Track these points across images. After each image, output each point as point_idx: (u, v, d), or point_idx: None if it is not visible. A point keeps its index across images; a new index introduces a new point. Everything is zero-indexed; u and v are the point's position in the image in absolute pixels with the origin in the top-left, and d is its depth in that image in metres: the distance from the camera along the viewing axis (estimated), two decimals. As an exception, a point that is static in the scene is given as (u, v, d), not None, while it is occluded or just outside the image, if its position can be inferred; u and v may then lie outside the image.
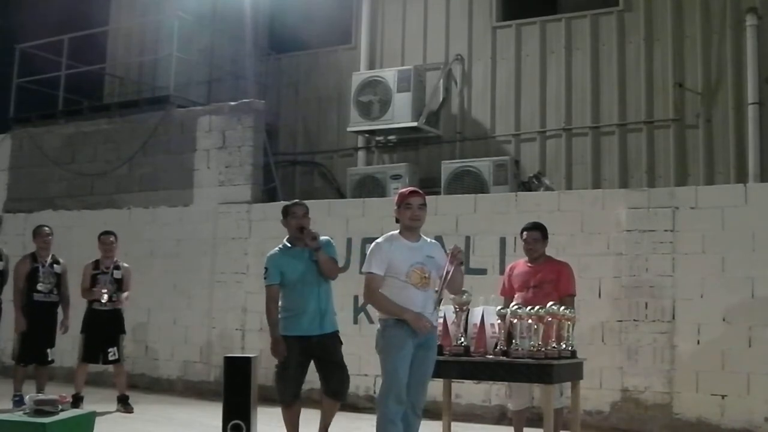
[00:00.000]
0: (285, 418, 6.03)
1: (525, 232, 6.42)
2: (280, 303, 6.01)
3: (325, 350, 5.97)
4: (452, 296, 5.62)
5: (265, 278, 6.04)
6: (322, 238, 6.08)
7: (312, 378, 6.09)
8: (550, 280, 6.19)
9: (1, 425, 5.58)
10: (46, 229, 8.63)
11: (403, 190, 5.41)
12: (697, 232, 7.63)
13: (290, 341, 5.92)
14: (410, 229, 5.17)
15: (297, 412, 6.03)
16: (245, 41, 11.47)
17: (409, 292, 5.03)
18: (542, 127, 9.88)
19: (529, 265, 6.36)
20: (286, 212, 6.13)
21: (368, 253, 5.17)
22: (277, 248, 6.13)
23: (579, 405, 6.04)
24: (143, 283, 9.36)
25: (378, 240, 5.18)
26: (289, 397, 5.96)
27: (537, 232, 6.35)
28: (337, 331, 6.12)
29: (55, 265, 8.52)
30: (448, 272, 5.08)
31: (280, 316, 5.98)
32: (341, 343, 6.11)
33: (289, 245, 6.09)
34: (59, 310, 8.52)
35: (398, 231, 5.23)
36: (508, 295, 6.34)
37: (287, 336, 5.94)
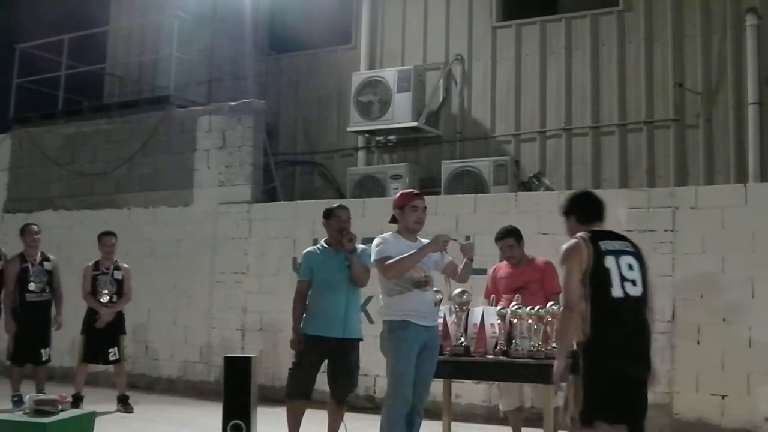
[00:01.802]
0: (288, 414, 6.02)
1: (498, 242, 6.38)
2: (307, 301, 6.07)
3: (340, 354, 5.97)
4: (452, 296, 5.63)
5: (297, 273, 6.22)
6: (360, 246, 6.14)
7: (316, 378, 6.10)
8: (535, 280, 6.18)
9: (1, 425, 5.59)
10: (34, 227, 8.60)
11: (405, 191, 5.42)
12: (697, 232, 7.63)
13: (309, 340, 5.95)
14: (413, 231, 5.19)
15: (301, 411, 6.02)
16: (245, 41, 11.47)
17: (410, 294, 5.07)
18: (542, 127, 9.88)
19: (512, 267, 6.33)
20: (329, 214, 6.16)
21: (374, 246, 5.15)
22: (315, 246, 6.22)
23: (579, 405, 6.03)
24: (143, 283, 9.36)
25: (382, 235, 5.20)
26: (296, 394, 5.96)
27: (510, 238, 6.30)
28: (359, 339, 6.12)
29: (45, 263, 8.50)
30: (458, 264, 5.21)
31: (305, 314, 6.04)
32: (358, 350, 6.11)
33: (326, 246, 6.14)
34: (53, 308, 8.51)
35: (396, 231, 5.24)
36: (491, 297, 6.31)
37: (307, 335, 5.97)
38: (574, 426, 4.24)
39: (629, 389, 4.18)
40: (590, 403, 4.13)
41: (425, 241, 5.34)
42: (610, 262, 4.25)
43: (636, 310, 4.27)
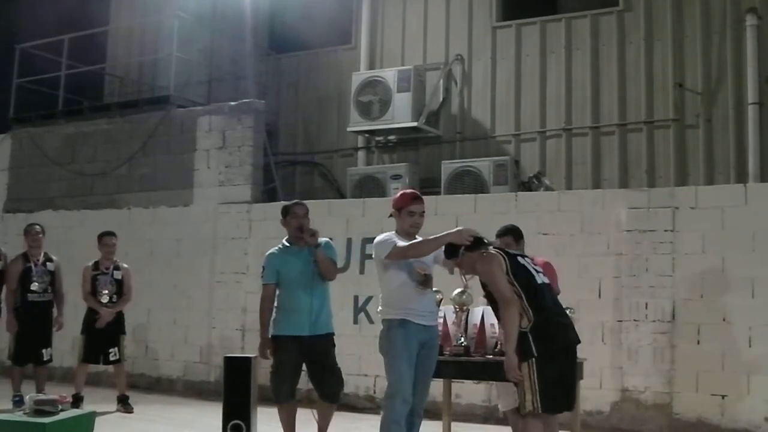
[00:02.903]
0: (281, 417, 6.01)
1: (498, 239, 6.37)
2: (275, 302, 6.00)
3: (317, 352, 5.93)
4: (452, 296, 5.63)
5: (261, 277, 6.06)
6: (322, 239, 6.06)
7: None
8: None
9: (1, 425, 5.59)
10: (37, 227, 8.61)
11: (405, 192, 5.38)
12: (697, 232, 7.63)
13: (284, 341, 5.89)
14: (410, 234, 5.18)
15: (293, 411, 6.01)
16: (245, 41, 11.46)
17: (411, 293, 5.07)
18: (542, 127, 9.88)
19: None
20: (286, 212, 6.11)
21: (379, 243, 5.12)
22: (275, 248, 6.12)
23: (579, 405, 6.04)
24: (143, 283, 9.37)
25: (384, 234, 5.18)
26: (284, 397, 5.94)
27: (508, 237, 6.24)
28: (332, 333, 6.07)
29: (48, 263, 8.51)
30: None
31: (275, 315, 5.98)
32: (334, 345, 6.07)
33: (288, 244, 6.08)
34: (54, 308, 8.51)
35: (395, 231, 5.23)
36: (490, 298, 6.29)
37: (281, 336, 5.90)
38: (527, 418, 4.80)
39: (572, 363, 4.92)
40: (545, 384, 4.67)
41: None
42: (521, 260, 4.96)
43: (553, 293, 5.04)
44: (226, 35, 11.86)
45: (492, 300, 4.97)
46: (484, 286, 4.99)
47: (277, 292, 6.02)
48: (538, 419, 4.77)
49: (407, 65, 10.31)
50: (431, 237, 5.04)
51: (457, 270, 5.24)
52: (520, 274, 4.83)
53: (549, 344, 4.73)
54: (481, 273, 4.90)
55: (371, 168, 10.43)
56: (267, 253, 6.11)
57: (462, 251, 4.96)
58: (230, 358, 6.54)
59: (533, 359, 4.67)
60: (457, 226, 8.43)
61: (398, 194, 5.38)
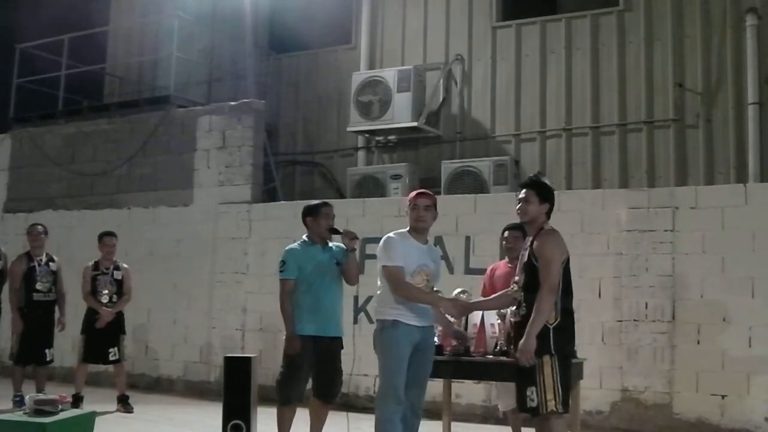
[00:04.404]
0: (284, 417, 5.92)
1: (506, 232, 6.37)
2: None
3: (331, 355, 5.91)
4: (452, 296, 5.63)
5: (281, 272, 5.92)
6: (339, 244, 6.05)
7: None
8: None
9: (1, 425, 5.59)
10: (39, 227, 8.63)
11: (415, 191, 5.43)
12: (697, 232, 7.64)
13: (306, 341, 5.82)
14: (416, 230, 5.20)
15: (295, 412, 6.00)
16: (245, 41, 11.47)
17: None
18: (542, 127, 9.88)
19: (509, 265, 6.29)
20: (316, 212, 6.00)
21: (381, 247, 5.12)
22: (296, 243, 6.03)
23: (579, 405, 6.04)
24: (143, 283, 9.36)
25: (389, 234, 5.17)
26: (296, 397, 5.87)
27: (518, 231, 6.25)
28: (342, 337, 6.08)
29: (50, 263, 8.52)
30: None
31: (294, 314, 5.89)
32: (343, 347, 6.08)
33: (308, 241, 6.01)
34: (56, 308, 8.53)
35: (407, 230, 5.24)
36: (488, 296, 6.27)
37: (304, 335, 5.82)
38: (551, 419, 4.71)
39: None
40: (565, 385, 4.72)
41: (430, 241, 5.37)
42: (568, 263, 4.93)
43: None
44: (226, 35, 11.86)
45: (529, 279, 4.89)
46: (531, 260, 4.89)
47: (294, 290, 5.91)
48: (561, 419, 4.77)
49: (407, 65, 10.31)
50: (430, 294, 5.15)
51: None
52: (567, 274, 4.88)
53: (568, 346, 4.83)
54: (543, 247, 4.84)
55: (371, 168, 10.43)
56: (287, 248, 6.00)
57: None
58: (230, 358, 6.54)
59: (557, 359, 4.70)
60: (457, 226, 8.58)
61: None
